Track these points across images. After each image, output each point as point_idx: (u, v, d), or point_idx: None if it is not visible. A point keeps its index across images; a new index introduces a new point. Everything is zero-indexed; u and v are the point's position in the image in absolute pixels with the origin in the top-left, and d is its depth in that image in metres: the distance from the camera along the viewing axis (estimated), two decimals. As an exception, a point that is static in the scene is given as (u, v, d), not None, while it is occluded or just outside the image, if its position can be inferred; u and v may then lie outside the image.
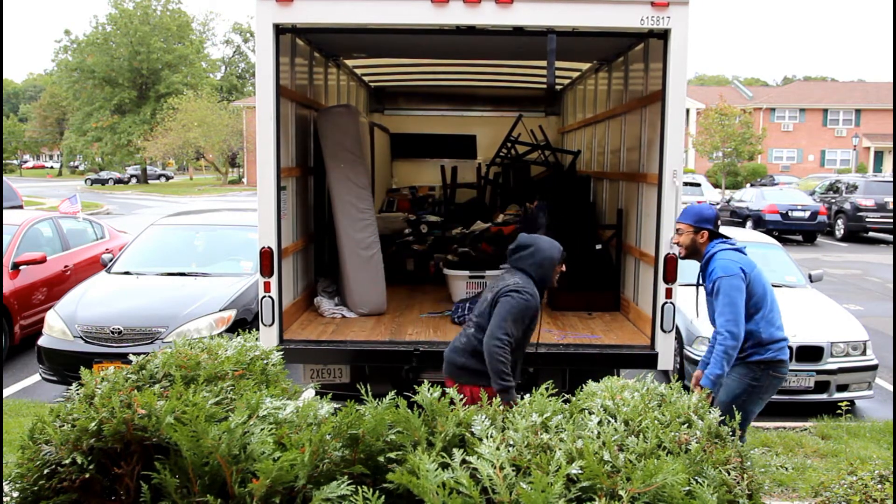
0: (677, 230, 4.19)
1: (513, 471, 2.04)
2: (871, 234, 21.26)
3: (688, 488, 2.00)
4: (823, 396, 6.46)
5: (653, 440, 2.21)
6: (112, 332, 6.33)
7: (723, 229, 4.31)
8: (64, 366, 6.32)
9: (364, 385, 2.62)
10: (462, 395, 2.59)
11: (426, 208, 9.36)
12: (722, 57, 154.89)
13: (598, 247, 6.31)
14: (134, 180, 54.24)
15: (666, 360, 4.90)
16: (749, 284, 3.96)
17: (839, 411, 6.02)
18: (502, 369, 3.71)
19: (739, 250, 4.06)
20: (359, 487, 2.03)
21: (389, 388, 2.80)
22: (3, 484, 2.36)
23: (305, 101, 6.02)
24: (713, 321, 4.09)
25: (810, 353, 6.43)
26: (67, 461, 2.24)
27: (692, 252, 4.14)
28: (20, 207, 13.07)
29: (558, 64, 4.95)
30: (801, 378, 6.39)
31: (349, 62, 7.68)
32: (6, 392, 6.94)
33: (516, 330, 3.81)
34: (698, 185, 23.95)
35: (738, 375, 4.04)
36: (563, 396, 2.55)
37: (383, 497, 2.00)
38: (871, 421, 6.27)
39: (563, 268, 4.16)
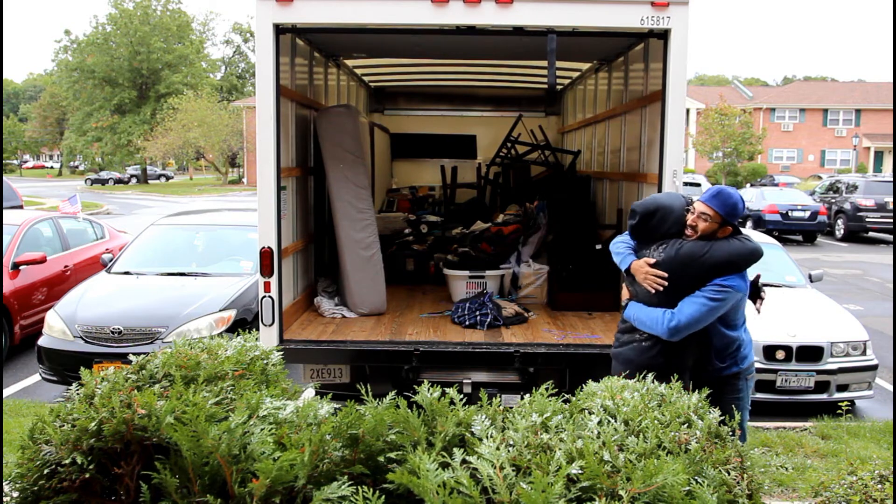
0: (702, 214, 3.63)
1: (513, 471, 2.04)
2: (871, 234, 21.26)
3: (688, 488, 2.00)
4: (823, 396, 6.47)
5: (653, 440, 2.21)
6: (112, 332, 6.33)
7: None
8: (64, 366, 6.33)
9: (364, 385, 2.62)
10: None
11: (426, 208, 9.36)
12: (722, 57, 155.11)
13: (598, 247, 6.30)
14: (134, 180, 54.25)
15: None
16: (742, 298, 3.69)
17: (839, 411, 6.01)
18: None
19: None
20: (359, 487, 2.03)
21: (389, 388, 2.80)
22: (3, 484, 2.35)
23: (305, 101, 6.02)
24: (660, 303, 3.70)
25: (810, 353, 6.44)
26: (67, 461, 2.24)
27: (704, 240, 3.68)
28: (20, 207, 13.07)
29: (558, 64, 4.95)
30: (801, 378, 6.39)
31: (349, 62, 7.68)
32: (6, 392, 6.94)
33: None
34: (698, 184, 23.95)
35: (721, 397, 3.69)
36: (563, 396, 2.55)
37: (383, 497, 2.00)
38: (871, 421, 6.27)
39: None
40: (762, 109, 46.94)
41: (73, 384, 2.68)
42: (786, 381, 6.38)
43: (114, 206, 31.01)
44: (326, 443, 2.21)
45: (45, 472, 2.27)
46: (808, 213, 19.99)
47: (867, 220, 20.66)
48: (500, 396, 2.83)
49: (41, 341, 6.56)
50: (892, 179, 21.50)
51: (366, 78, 8.94)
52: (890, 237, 20.46)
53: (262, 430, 2.20)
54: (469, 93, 9.81)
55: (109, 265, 7.76)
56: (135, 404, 2.27)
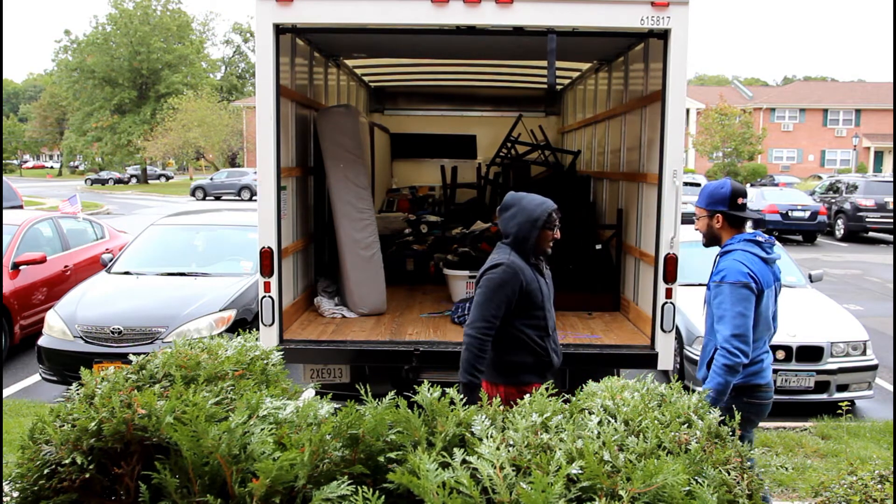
0: (695, 215, 3.76)
1: (513, 471, 2.04)
2: (871, 234, 21.26)
3: (688, 488, 2.00)
4: (823, 396, 6.47)
5: (653, 440, 2.21)
6: (112, 332, 6.33)
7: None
8: (64, 366, 6.33)
9: (364, 385, 2.62)
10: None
11: (426, 208, 9.36)
12: (722, 57, 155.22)
13: (598, 247, 6.31)
14: (134, 180, 54.23)
15: (666, 360, 4.90)
16: (758, 300, 3.45)
17: (839, 411, 6.02)
18: (468, 359, 3.42)
19: (762, 258, 3.52)
20: (359, 487, 2.03)
21: (389, 388, 2.80)
22: (3, 484, 2.35)
23: (305, 101, 6.02)
24: (710, 329, 3.60)
25: (810, 353, 6.44)
26: (67, 461, 2.23)
27: (711, 239, 3.68)
28: (20, 207, 13.08)
29: (558, 64, 4.95)
30: (801, 378, 6.39)
31: (349, 62, 7.68)
32: (6, 392, 6.94)
33: (497, 310, 3.49)
34: (698, 185, 23.96)
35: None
36: (563, 396, 2.55)
37: (383, 497, 2.00)
38: (871, 421, 6.27)
39: (555, 233, 3.73)
40: (762, 109, 46.95)
41: (73, 384, 2.68)
42: (786, 381, 6.38)
43: (114, 206, 31.01)
44: (326, 443, 2.21)
45: (45, 472, 2.27)
46: (808, 213, 19.99)
47: (867, 220, 20.66)
48: (500, 396, 2.82)
49: (41, 341, 6.56)
50: (892, 179, 21.50)
51: (366, 78, 8.94)
52: (890, 237, 20.45)
53: (262, 430, 2.20)
54: (469, 93, 9.82)
55: (109, 265, 7.75)
56: (135, 404, 2.27)
